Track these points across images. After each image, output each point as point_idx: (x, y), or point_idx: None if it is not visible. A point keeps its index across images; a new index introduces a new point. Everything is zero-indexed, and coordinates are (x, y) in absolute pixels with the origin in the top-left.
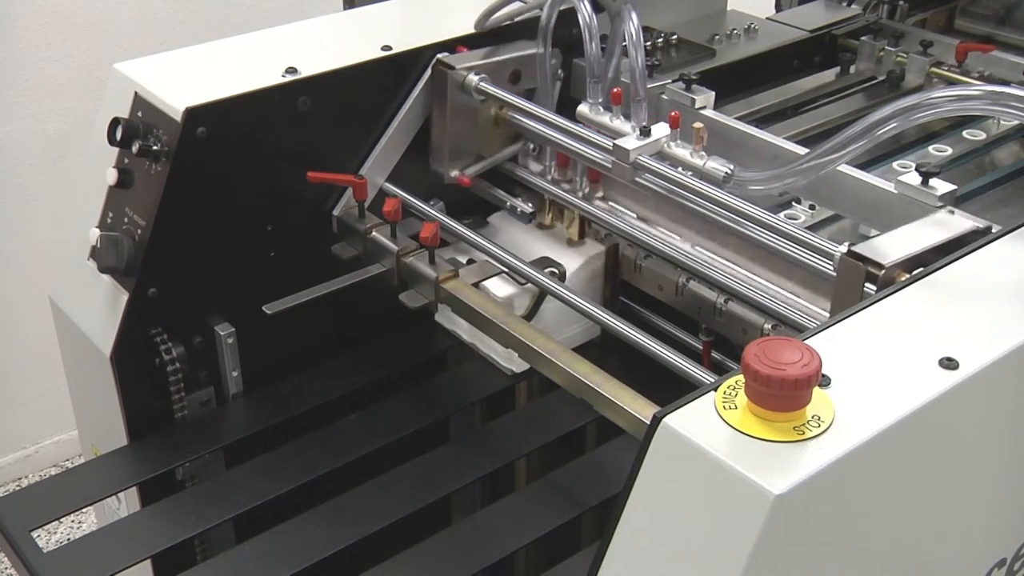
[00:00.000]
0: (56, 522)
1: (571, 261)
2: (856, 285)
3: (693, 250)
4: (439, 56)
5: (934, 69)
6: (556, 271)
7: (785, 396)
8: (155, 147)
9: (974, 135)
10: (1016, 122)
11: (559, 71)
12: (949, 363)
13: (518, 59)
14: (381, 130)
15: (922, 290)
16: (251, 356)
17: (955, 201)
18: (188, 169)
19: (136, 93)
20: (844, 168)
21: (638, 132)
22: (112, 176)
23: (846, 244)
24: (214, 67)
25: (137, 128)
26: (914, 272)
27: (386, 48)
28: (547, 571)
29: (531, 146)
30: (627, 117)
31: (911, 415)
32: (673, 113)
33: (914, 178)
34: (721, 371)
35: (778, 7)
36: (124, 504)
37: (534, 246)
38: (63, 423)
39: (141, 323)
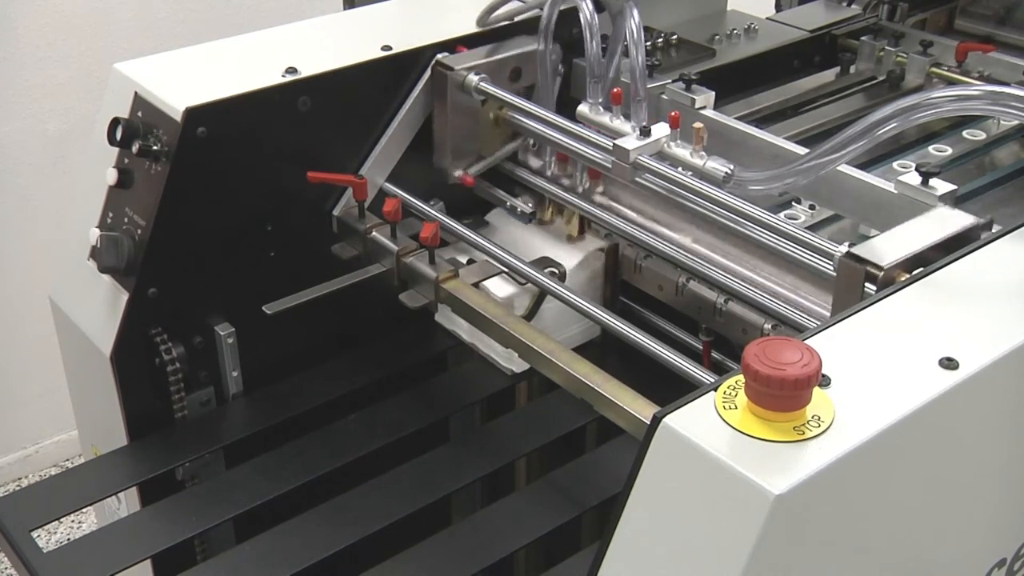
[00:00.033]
0: (56, 522)
1: (571, 261)
2: (856, 287)
3: (693, 247)
4: (438, 58)
5: (934, 69)
6: (556, 271)
7: (785, 396)
8: (155, 147)
9: (974, 135)
10: (1016, 122)
11: (559, 66)
12: (949, 363)
13: (518, 56)
14: (381, 130)
15: (922, 290)
16: (251, 356)
17: (955, 201)
18: (188, 169)
19: (136, 93)
20: (844, 168)
21: (638, 132)
22: (112, 176)
23: (846, 244)
24: (214, 67)
25: (137, 128)
26: (914, 272)
27: (386, 48)
28: (547, 571)
29: (531, 142)
30: (627, 117)
31: (911, 415)
32: (673, 113)
33: (914, 178)
34: (721, 371)
35: (778, 7)
36: (124, 504)
37: (534, 245)
38: (63, 423)
39: (141, 323)
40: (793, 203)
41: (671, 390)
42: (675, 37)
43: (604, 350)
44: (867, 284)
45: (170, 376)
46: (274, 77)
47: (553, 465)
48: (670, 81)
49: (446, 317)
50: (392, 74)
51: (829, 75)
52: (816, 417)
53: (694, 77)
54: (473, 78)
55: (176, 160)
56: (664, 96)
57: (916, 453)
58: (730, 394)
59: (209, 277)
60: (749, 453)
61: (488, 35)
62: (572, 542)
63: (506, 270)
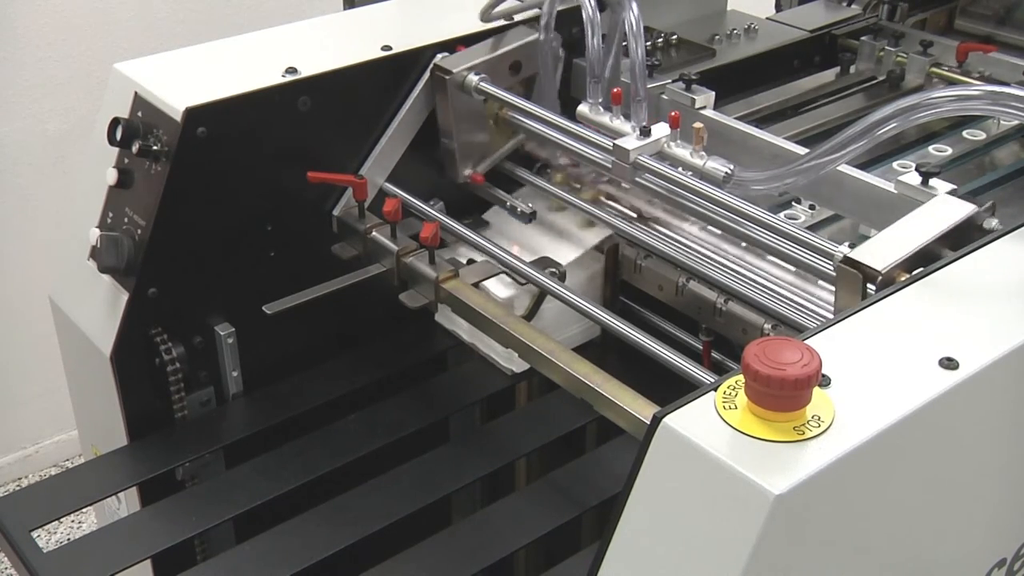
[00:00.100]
0: (56, 522)
1: (571, 261)
2: (855, 291)
3: (693, 246)
4: (436, 61)
5: (934, 69)
6: (556, 271)
7: (785, 396)
8: (155, 147)
9: (974, 135)
10: (1016, 122)
11: (560, 50)
12: (949, 363)
13: (517, 49)
14: (381, 130)
15: (922, 290)
16: (251, 356)
17: None
18: (188, 169)
19: (136, 93)
20: (844, 168)
21: (638, 132)
22: (112, 176)
23: (846, 244)
24: (214, 67)
25: (137, 128)
26: (914, 272)
27: (386, 48)
28: (547, 571)
29: None
30: (627, 117)
31: (911, 415)
32: (673, 113)
33: (914, 178)
34: (721, 371)
35: (778, 7)
36: (124, 504)
37: (534, 245)
38: (63, 423)
39: (141, 323)
40: (793, 203)
41: (671, 390)
42: (675, 37)
43: (604, 350)
44: (868, 285)
45: (170, 376)
46: (274, 77)
47: (553, 465)
48: (670, 81)
49: (446, 317)
50: (392, 74)
51: (829, 75)
52: (816, 417)
53: (694, 77)
54: (473, 78)
55: (176, 160)
56: (664, 96)
57: (916, 453)
58: (730, 394)
59: (209, 277)
60: (749, 453)
61: (488, 33)
62: (572, 542)
63: (506, 270)
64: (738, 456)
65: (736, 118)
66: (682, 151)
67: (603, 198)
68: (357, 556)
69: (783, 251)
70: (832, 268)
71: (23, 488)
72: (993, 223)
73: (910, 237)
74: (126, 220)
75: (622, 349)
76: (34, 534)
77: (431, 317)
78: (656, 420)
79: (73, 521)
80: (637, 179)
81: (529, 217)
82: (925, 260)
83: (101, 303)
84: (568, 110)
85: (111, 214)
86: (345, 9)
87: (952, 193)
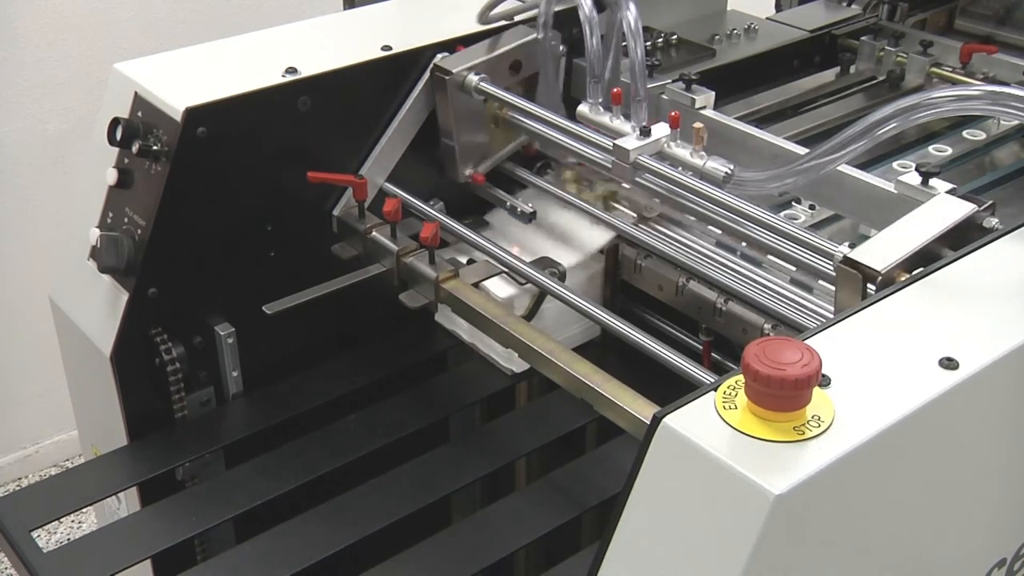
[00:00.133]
0: (56, 522)
1: (571, 261)
2: (855, 291)
3: (694, 246)
4: (436, 61)
5: (934, 69)
6: (556, 271)
7: (785, 396)
8: (155, 147)
9: (974, 135)
10: (1016, 122)
11: (561, 48)
12: (949, 363)
13: (517, 49)
14: (381, 130)
15: (922, 290)
16: (251, 356)
17: None
18: (188, 169)
19: (136, 93)
20: (844, 168)
21: (638, 132)
22: (112, 176)
23: (846, 244)
24: (214, 67)
25: (137, 128)
26: (914, 272)
27: (386, 48)
28: (547, 571)
29: None
30: (627, 117)
31: (911, 415)
32: (673, 113)
33: (914, 178)
34: (721, 371)
35: (778, 7)
36: (124, 504)
37: (534, 245)
38: (63, 423)
39: (141, 323)
40: (793, 203)
41: (671, 390)
42: (675, 37)
43: (604, 350)
44: (868, 285)
45: (170, 376)
46: (274, 77)
47: (553, 465)
48: (670, 81)
49: (446, 317)
50: (392, 74)
51: (829, 75)
52: (816, 417)
53: (694, 77)
54: (473, 78)
55: (176, 160)
56: (664, 96)
57: (916, 453)
58: (730, 394)
59: (209, 277)
60: (749, 453)
61: (488, 33)
62: (572, 542)
63: (506, 270)
64: (738, 456)
65: (736, 118)
66: (682, 151)
67: (612, 198)
68: (357, 556)
69: (783, 251)
70: (832, 268)
71: (23, 488)
72: (993, 222)
73: (910, 237)
74: (126, 220)
75: (622, 349)
76: (34, 534)
77: (431, 317)
78: (656, 420)
79: (73, 521)
80: (637, 179)
81: (529, 217)
82: (925, 260)
83: (101, 303)
84: (568, 110)
85: (111, 214)
86: (345, 9)
87: (952, 192)
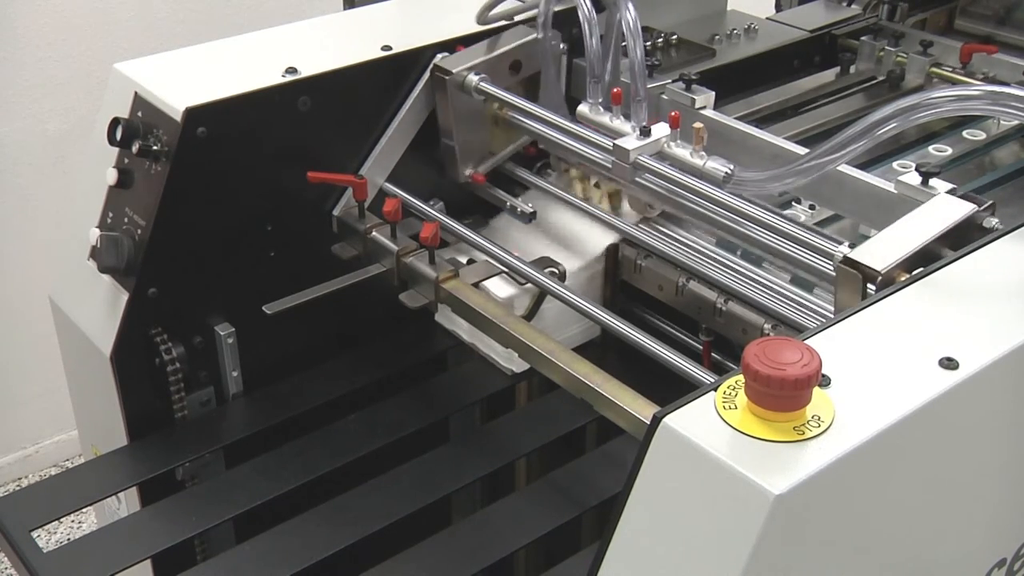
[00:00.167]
0: (56, 522)
1: (571, 261)
2: (855, 291)
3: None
4: (436, 61)
5: (934, 69)
6: (556, 271)
7: (785, 396)
8: (155, 147)
9: (974, 135)
10: (1016, 122)
11: (562, 46)
12: (949, 363)
13: (517, 49)
14: (381, 130)
15: (922, 290)
16: (251, 356)
17: None
18: (188, 169)
19: (136, 93)
20: (844, 168)
21: (638, 132)
22: (112, 176)
23: (846, 243)
24: (214, 67)
25: (137, 128)
26: (914, 272)
27: (386, 48)
28: (547, 571)
29: None
30: (627, 117)
31: (911, 415)
32: (673, 113)
33: (914, 178)
34: (721, 371)
35: (778, 7)
36: (124, 504)
37: (534, 245)
38: (63, 423)
39: (141, 323)
40: (793, 203)
41: (671, 390)
42: (675, 37)
43: (604, 350)
44: (868, 285)
45: (170, 376)
46: (274, 77)
47: (553, 465)
48: (670, 81)
49: (446, 317)
50: (392, 74)
51: (829, 75)
52: (816, 417)
53: (694, 77)
54: (473, 78)
55: (176, 160)
56: (664, 96)
57: (916, 453)
58: (730, 394)
59: (209, 277)
60: (749, 453)
61: (488, 33)
62: (572, 542)
63: (506, 270)
64: (738, 456)
65: (736, 118)
66: (682, 151)
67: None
68: (357, 556)
69: (783, 251)
70: (832, 268)
71: (23, 488)
72: (993, 222)
73: (910, 237)
74: (126, 220)
75: (622, 349)
76: (34, 534)
77: (431, 317)
78: (656, 420)
79: (73, 521)
80: (637, 179)
81: (529, 217)
82: (925, 260)
83: (101, 303)
84: (569, 110)
85: (111, 214)
86: (345, 9)
87: (952, 192)
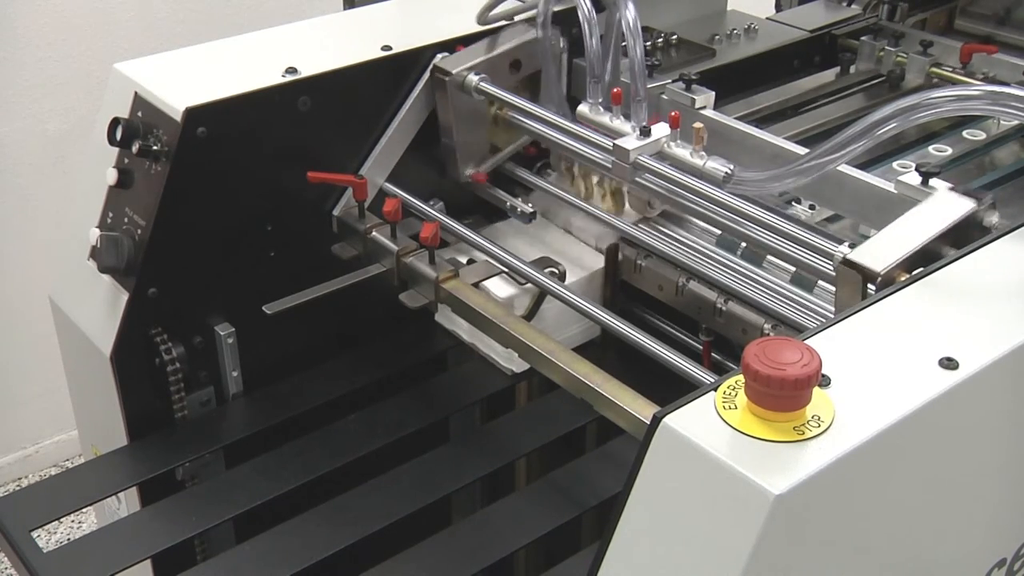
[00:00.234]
0: (56, 522)
1: (571, 261)
2: (855, 292)
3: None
4: (436, 62)
5: (934, 69)
6: (556, 271)
7: (785, 396)
8: (155, 147)
9: (974, 135)
10: (1016, 122)
11: (562, 42)
12: (949, 363)
13: (516, 48)
14: (381, 130)
15: (922, 290)
16: (251, 356)
17: None
18: (188, 169)
19: (136, 93)
20: (844, 168)
21: (638, 132)
22: (112, 176)
23: (846, 243)
24: (214, 67)
25: (137, 128)
26: (914, 272)
27: (386, 48)
28: (547, 571)
29: None
30: (627, 117)
31: (911, 415)
32: (673, 113)
33: (914, 178)
34: (721, 371)
35: (778, 7)
36: (124, 504)
37: (535, 246)
38: (63, 423)
39: (141, 323)
40: (793, 203)
41: (671, 390)
42: (675, 37)
43: (604, 350)
44: (868, 285)
45: (170, 376)
46: (274, 77)
47: (553, 465)
48: (670, 81)
49: (446, 317)
50: (392, 74)
51: (829, 75)
52: (816, 417)
53: (694, 77)
54: (473, 78)
55: (176, 160)
56: (664, 96)
57: (916, 453)
58: (730, 394)
59: (209, 277)
60: (749, 453)
61: (488, 33)
62: (572, 542)
63: (506, 270)
64: (738, 456)
65: (736, 118)
66: (682, 151)
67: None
68: (357, 556)
69: (783, 251)
70: (832, 268)
71: (23, 488)
72: (994, 219)
73: (910, 236)
74: (126, 220)
75: (622, 349)
76: (34, 534)
77: (431, 317)
78: (656, 420)
79: (73, 521)
80: (637, 179)
81: (529, 217)
82: (926, 259)
83: (101, 303)
84: (569, 109)
85: (111, 214)
86: (345, 9)
87: (952, 189)
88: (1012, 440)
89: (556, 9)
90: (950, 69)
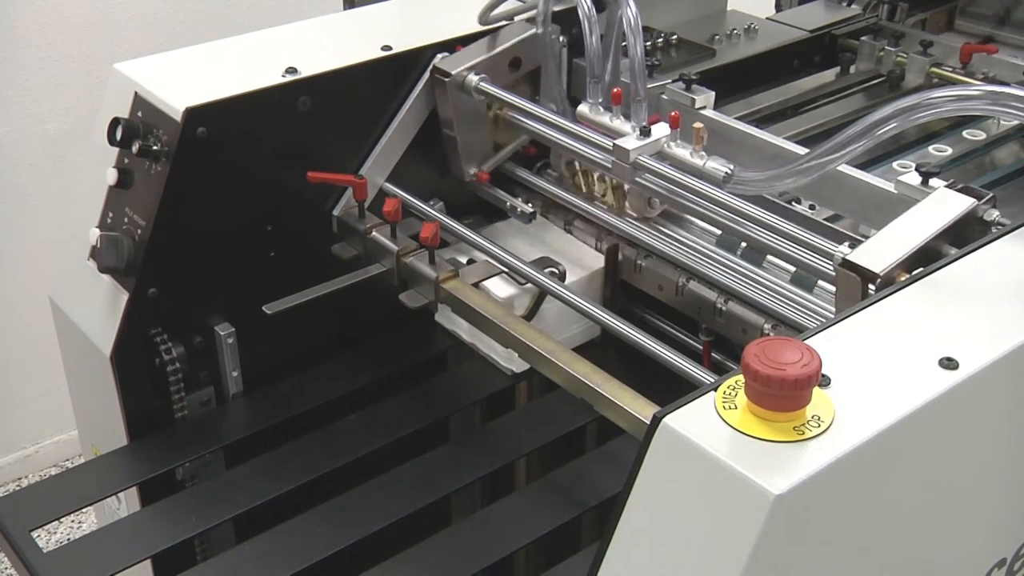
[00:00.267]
0: (56, 522)
1: (571, 261)
2: (855, 293)
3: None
4: (436, 62)
5: (934, 69)
6: (556, 271)
7: (785, 396)
8: (155, 147)
9: (974, 135)
10: (1016, 122)
11: (562, 39)
12: (949, 363)
13: (516, 46)
14: (381, 130)
15: (922, 290)
16: (251, 356)
17: None
18: (188, 169)
19: (136, 93)
20: (844, 168)
21: (638, 132)
22: (112, 176)
23: (846, 244)
24: (214, 67)
25: (137, 128)
26: (914, 272)
27: (386, 48)
28: (547, 571)
29: None
30: (627, 117)
31: (911, 415)
32: (673, 113)
33: (914, 178)
34: (721, 371)
35: (778, 7)
36: (124, 504)
37: (535, 248)
38: (63, 423)
39: (141, 323)
40: (793, 203)
41: (671, 390)
42: (675, 37)
43: (604, 350)
44: (868, 286)
45: (170, 376)
46: (274, 77)
47: (553, 465)
48: (670, 81)
49: (446, 317)
50: (392, 74)
51: (829, 75)
52: (816, 417)
53: (694, 77)
54: (473, 78)
55: (176, 160)
56: (664, 96)
57: (916, 453)
58: (730, 394)
59: (209, 277)
60: (749, 453)
61: (487, 33)
62: (572, 542)
63: (506, 270)
64: (738, 456)
65: (736, 118)
66: (682, 151)
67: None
68: (357, 556)
69: (783, 251)
70: (832, 268)
71: (23, 488)
72: (994, 215)
73: (909, 236)
74: (126, 220)
75: (622, 349)
76: (34, 534)
77: (431, 317)
78: (656, 420)
79: (73, 521)
80: (637, 179)
81: (529, 217)
82: (925, 258)
83: (101, 303)
84: (569, 107)
85: (111, 214)
86: (345, 9)
87: (951, 186)
88: (1012, 440)
89: (556, 9)
90: (950, 69)
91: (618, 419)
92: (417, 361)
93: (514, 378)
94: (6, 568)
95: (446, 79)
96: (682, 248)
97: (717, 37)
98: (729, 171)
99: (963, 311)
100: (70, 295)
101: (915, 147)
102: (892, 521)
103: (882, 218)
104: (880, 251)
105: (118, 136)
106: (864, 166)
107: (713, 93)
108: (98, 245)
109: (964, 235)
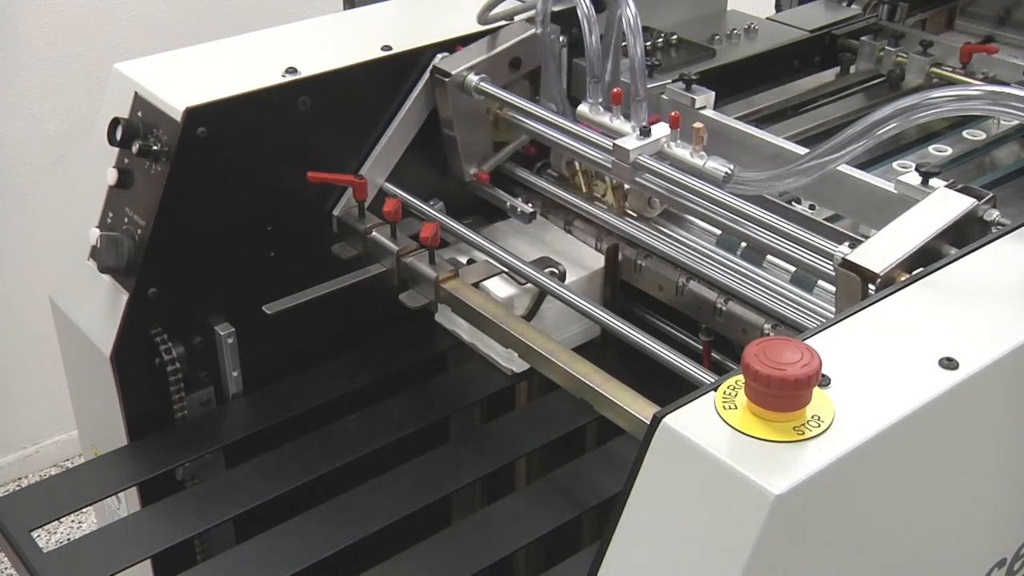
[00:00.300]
0: (56, 522)
1: (571, 261)
2: (855, 293)
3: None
4: (435, 63)
5: (934, 69)
6: (556, 271)
7: (785, 396)
8: (155, 147)
9: (974, 135)
10: (1016, 122)
11: (562, 38)
12: (949, 363)
13: (515, 45)
14: (381, 130)
15: (922, 290)
16: (251, 356)
17: None
18: (188, 169)
19: (136, 93)
20: (844, 168)
21: (638, 132)
22: (112, 176)
23: (846, 244)
24: (214, 67)
25: (137, 128)
26: (914, 272)
27: (386, 48)
28: (547, 571)
29: None
30: (627, 117)
31: (911, 415)
32: (673, 113)
33: (914, 178)
34: (721, 371)
35: (778, 7)
36: (124, 504)
37: (535, 248)
38: (63, 423)
39: (141, 323)
40: (793, 203)
41: (671, 390)
42: (675, 37)
43: (604, 350)
44: (868, 286)
45: (170, 376)
46: (274, 77)
47: (553, 465)
48: (670, 81)
49: (446, 317)
50: (392, 74)
51: (829, 75)
52: (816, 417)
53: (694, 77)
54: (473, 78)
55: (176, 160)
56: (664, 96)
57: (916, 453)
58: (730, 394)
59: (209, 277)
60: (749, 453)
61: (487, 33)
62: (572, 542)
63: (506, 270)
64: (738, 456)
65: (736, 118)
66: (682, 151)
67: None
68: (357, 556)
69: (783, 251)
70: (832, 268)
71: (23, 488)
72: (994, 214)
73: (909, 236)
74: (126, 220)
75: (622, 349)
76: (34, 534)
77: (431, 317)
78: (656, 420)
79: (73, 521)
80: (637, 179)
81: (529, 217)
82: (925, 258)
83: (101, 303)
84: (569, 106)
85: (111, 214)
86: (345, 9)
87: (951, 186)
88: (1012, 440)
89: (556, 9)
90: (950, 69)
91: (618, 419)
92: (417, 361)
93: (514, 378)
94: (6, 568)
95: (446, 79)
96: (682, 248)
97: (717, 37)
98: (729, 171)
99: (963, 311)
100: (70, 295)
101: (915, 147)
102: (892, 521)
103: (882, 218)
104: (880, 251)
105: (118, 136)
106: (864, 166)
107: (713, 93)
108: (98, 245)
109: (964, 235)
